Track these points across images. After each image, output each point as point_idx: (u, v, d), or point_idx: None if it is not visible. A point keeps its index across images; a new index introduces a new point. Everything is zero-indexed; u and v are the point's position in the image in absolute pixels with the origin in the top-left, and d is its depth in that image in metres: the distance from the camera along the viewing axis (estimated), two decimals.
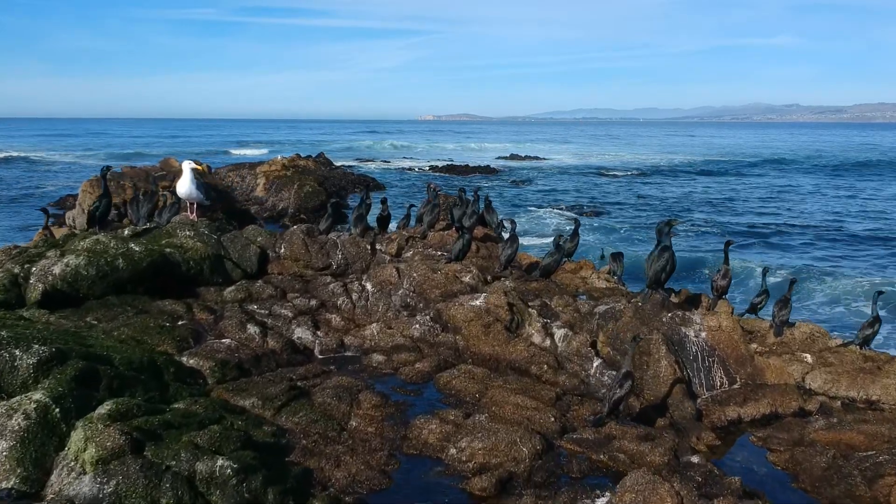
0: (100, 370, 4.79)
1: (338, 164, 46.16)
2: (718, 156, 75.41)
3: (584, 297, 9.30)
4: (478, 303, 7.71)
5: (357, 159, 62.03)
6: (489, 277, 9.34)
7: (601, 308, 7.96)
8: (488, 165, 53.15)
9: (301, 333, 7.09)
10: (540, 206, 33.47)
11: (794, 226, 27.50)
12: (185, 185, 8.37)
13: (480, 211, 11.80)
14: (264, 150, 68.00)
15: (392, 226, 12.78)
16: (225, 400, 5.31)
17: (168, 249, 7.53)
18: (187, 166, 8.39)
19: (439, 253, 10.73)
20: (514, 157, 69.68)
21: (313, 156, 42.24)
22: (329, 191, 29.99)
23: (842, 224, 27.86)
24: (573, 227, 10.97)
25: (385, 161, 62.65)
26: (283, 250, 8.70)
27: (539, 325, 7.61)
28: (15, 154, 61.07)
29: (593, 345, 7.44)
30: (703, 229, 26.67)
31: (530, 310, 7.85)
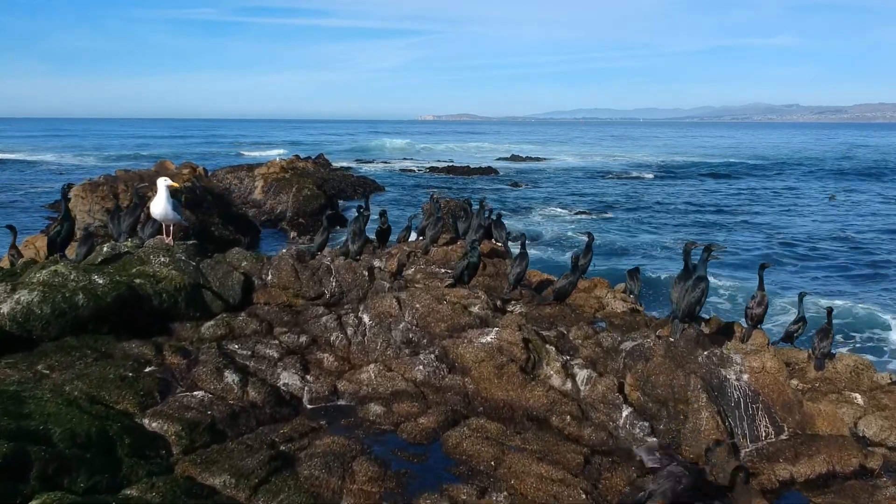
0: (32, 453, 3.87)
1: (337, 164, 45.35)
2: (720, 156, 74.63)
3: (604, 324, 8.44)
4: (489, 339, 6.83)
5: (357, 160, 61.17)
6: (499, 302, 8.46)
7: (628, 344, 7.07)
8: (489, 167, 52.43)
9: (288, 379, 6.17)
10: (538, 208, 32.66)
11: (802, 235, 26.53)
12: (160, 206, 7.46)
13: (486, 222, 10.92)
14: (282, 151, 63.52)
15: (392, 237, 11.93)
16: (191, 477, 4.40)
17: (137, 280, 6.59)
18: (162, 184, 7.47)
19: (443, 270, 9.87)
20: (514, 157, 68.88)
21: (312, 157, 41.38)
22: (328, 193, 29.09)
23: (852, 234, 26.87)
24: (586, 242, 10.04)
25: (385, 162, 61.78)
26: (270, 277, 7.78)
27: (558, 364, 6.72)
28: (12, 156, 60.13)
29: (620, 388, 6.55)
30: (705, 234, 25.86)
31: (548, 346, 6.95)
